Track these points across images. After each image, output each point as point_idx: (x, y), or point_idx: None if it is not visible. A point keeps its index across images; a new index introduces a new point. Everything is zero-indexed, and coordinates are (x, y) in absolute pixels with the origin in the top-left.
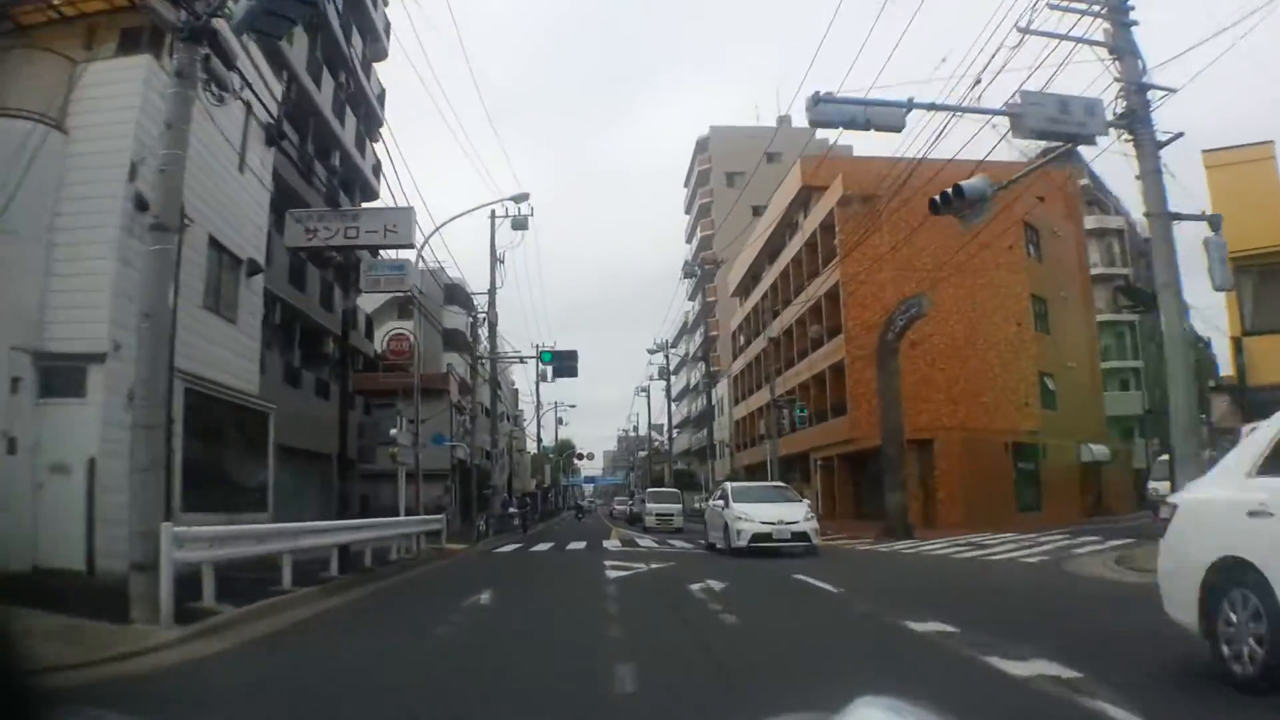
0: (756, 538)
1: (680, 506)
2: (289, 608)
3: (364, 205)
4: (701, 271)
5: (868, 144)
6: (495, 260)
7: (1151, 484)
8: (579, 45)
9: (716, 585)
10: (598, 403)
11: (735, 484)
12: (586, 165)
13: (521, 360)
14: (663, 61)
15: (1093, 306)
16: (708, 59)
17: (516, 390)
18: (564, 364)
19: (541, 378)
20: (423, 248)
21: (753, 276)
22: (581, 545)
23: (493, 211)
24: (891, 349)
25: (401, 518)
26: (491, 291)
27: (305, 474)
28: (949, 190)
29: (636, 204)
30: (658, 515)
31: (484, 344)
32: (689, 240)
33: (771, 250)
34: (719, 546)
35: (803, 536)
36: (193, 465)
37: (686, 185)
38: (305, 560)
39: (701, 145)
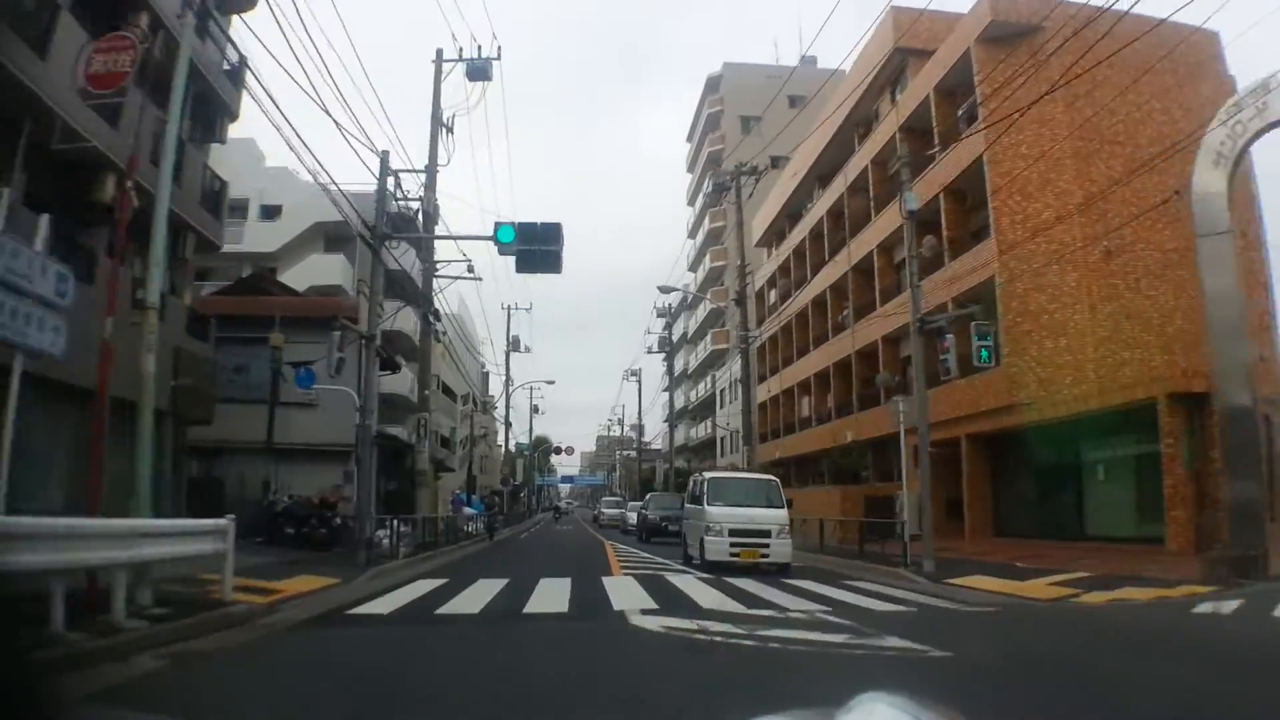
0: None
1: (785, 515)
2: None
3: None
4: (734, 179)
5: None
6: (439, 123)
7: None
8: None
9: None
10: (575, 404)
11: None
12: (578, 160)
13: (472, 271)
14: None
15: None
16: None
17: (486, 374)
18: (538, 248)
19: (513, 346)
20: None
21: (789, 217)
22: (561, 595)
23: (439, 51)
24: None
25: None
26: (431, 166)
27: (37, 423)
28: None
29: (622, 197)
30: (735, 535)
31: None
32: (691, 202)
33: (823, 170)
34: None
35: None
36: None
37: (690, 139)
38: None
39: (712, 85)
